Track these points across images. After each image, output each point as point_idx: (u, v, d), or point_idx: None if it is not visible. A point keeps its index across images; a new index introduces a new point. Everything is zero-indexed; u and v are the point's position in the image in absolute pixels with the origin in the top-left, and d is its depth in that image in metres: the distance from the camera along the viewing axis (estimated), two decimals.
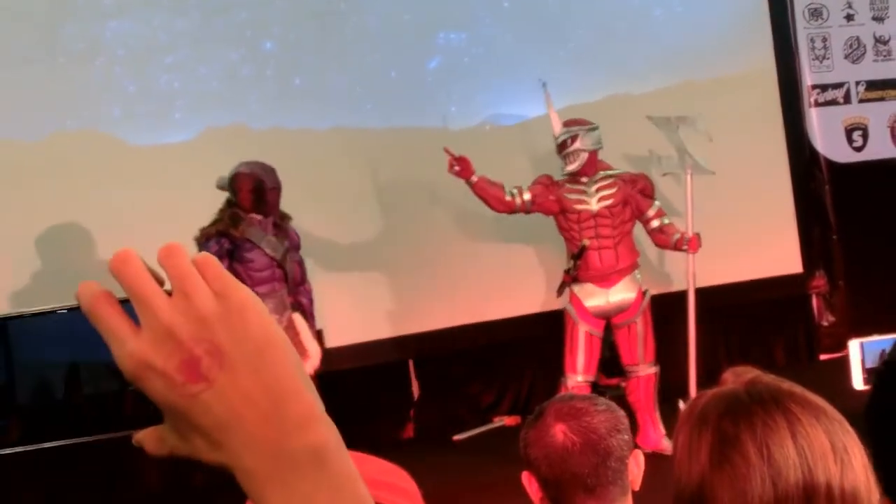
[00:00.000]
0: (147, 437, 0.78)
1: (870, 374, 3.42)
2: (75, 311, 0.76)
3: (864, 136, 8.83)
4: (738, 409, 1.51)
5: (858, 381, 3.47)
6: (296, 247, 6.51)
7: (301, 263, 6.55)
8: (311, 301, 6.57)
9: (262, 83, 7.51)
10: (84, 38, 7.12)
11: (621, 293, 6.70)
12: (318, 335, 6.61)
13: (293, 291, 6.46)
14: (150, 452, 0.78)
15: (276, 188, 6.37)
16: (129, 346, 0.74)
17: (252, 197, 6.26)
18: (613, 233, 6.66)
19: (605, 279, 6.68)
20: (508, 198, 6.73)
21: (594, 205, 6.67)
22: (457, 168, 6.65)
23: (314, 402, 0.77)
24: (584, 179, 6.70)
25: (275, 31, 7.60)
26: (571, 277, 6.68)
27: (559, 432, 2.35)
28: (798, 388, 1.57)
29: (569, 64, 8.04)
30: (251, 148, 7.13)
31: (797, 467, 1.44)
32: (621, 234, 6.70)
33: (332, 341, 7.22)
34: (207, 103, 7.32)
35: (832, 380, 3.68)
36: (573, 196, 6.70)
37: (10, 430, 0.81)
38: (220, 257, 6.15)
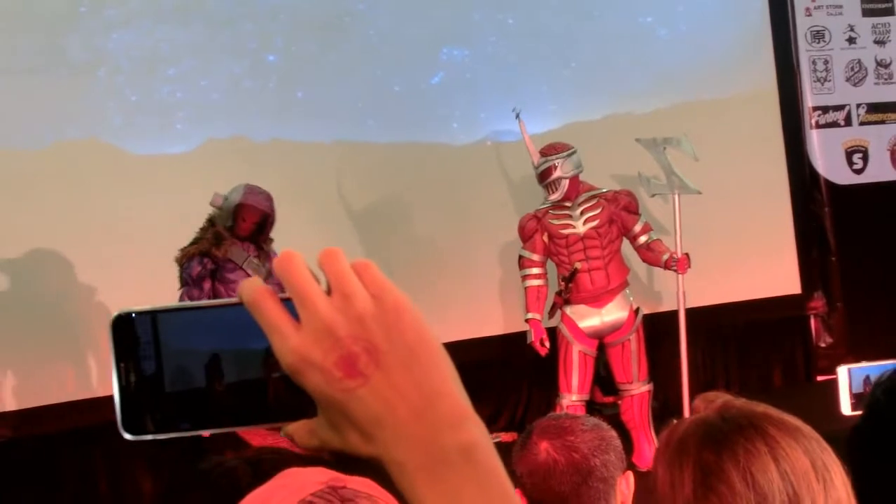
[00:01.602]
0: (298, 430, 0.82)
1: (857, 399, 3.44)
2: (233, 307, 0.81)
3: (865, 159, 8.84)
4: (717, 438, 1.50)
5: (847, 407, 3.49)
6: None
7: (280, 287, 6.51)
8: None
9: (264, 95, 7.52)
10: (87, 49, 7.13)
11: (614, 312, 6.69)
12: None
13: None
14: (301, 445, 0.82)
15: (274, 221, 6.39)
16: (292, 341, 0.78)
17: (253, 229, 6.27)
18: (603, 253, 6.65)
19: (598, 300, 6.67)
20: (538, 282, 6.78)
21: (581, 227, 6.66)
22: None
23: (465, 402, 0.80)
24: (567, 204, 6.69)
25: (278, 43, 7.62)
26: (563, 300, 6.69)
27: (542, 450, 2.34)
28: (772, 410, 1.56)
29: (571, 82, 8.06)
30: (252, 160, 7.16)
31: (782, 491, 1.43)
32: (610, 254, 6.69)
33: None
34: (209, 115, 7.33)
35: (826, 402, 3.68)
36: (559, 222, 6.70)
37: (162, 416, 0.85)
38: (203, 277, 6.15)
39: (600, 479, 2.31)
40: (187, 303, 0.71)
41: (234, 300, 0.81)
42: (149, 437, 0.83)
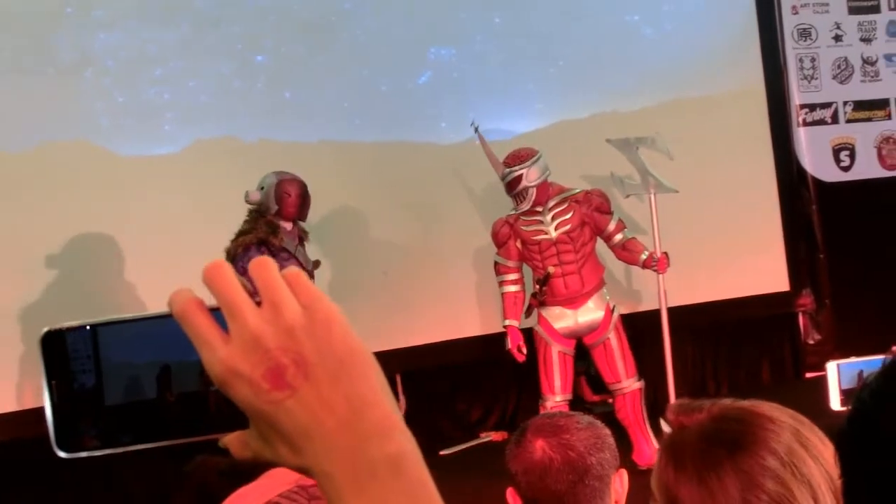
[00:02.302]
0: (232, 441, 0.82)
1: (846, 395, 3.45)
2: (164, 318, 0.80)
3: (852, 156, 8.87)
4: (737, 438, 1.48)
5: (836, 403, 3.50)
6: (315, 263, 6.56)
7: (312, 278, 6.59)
8: None
9: (252, 96, 7.51)
10: (74, 49, 7.11)
11: (589, 313, 6.67)
12: None
13: None
14: (236, 455, 0.82)
15: (310, 198, 6.51)
16: (220, 353, 0.78)
17: (299, 202, 6.32)
18: (576, 257, 6.62)
19: (573, 302, 6.66)
20: (514, 288, 6.79)
21: (553, 233, 6.62)
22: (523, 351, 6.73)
23: (393, 413, 0.80)
24: (538, 209, 6.65)
25: (266, 44, 7.61)
26: (539, 302, 6.68)
27: (538, 448, 2.34)
28: (749, 404, 1.55)
29: (558, 81, 8.07)
30: (240, 160, 7.15)
31: (825, 479, 1.42)
32: (584, 257, 6.65)
33: None
34: (197, 115, 7.32)
35: (815, 399, 3.69)
36: (531, 228, 6.67)
37: (97, 433, 0.85)
38: None
39: (596, 478, 2.31)
40: (122, 315, 0.71)
41: (167, 311, 0.80)
42: (84, 454, 0.83)
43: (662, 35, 8.38)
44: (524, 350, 6.68)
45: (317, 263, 6.49)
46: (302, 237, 6.51)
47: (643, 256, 6.67)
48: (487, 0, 8.05)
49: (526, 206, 6.62)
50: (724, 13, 8.57)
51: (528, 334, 6.79)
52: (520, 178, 6.61)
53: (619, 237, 6.72)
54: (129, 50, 7.22)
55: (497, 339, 7.43)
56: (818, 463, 1.43)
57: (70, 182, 6.93)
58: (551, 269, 6.55)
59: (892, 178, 8.86)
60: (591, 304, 6.67)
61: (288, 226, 6.37)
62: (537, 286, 6.64)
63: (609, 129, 7.74)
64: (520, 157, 6.67)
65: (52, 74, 7.03)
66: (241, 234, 6.29)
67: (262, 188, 6.36)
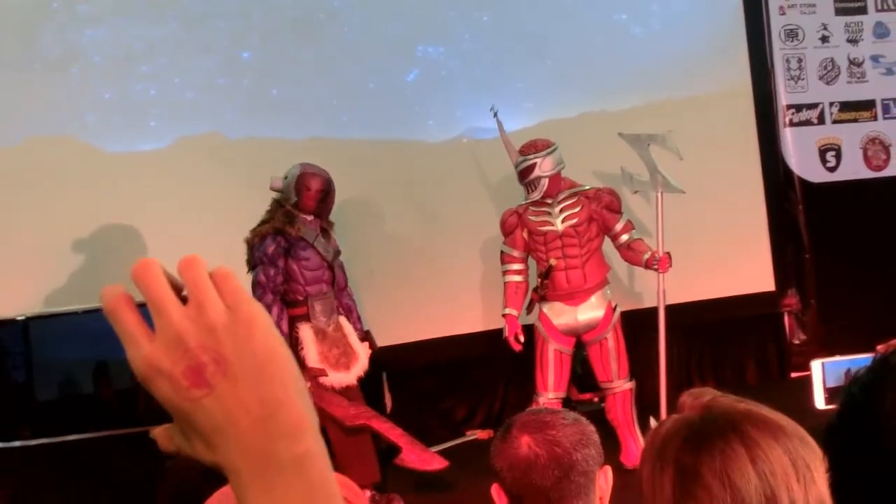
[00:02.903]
0: (159, 434, 0.84)
1: (831, 393, 3.46)
2: (97, 312, 0.82)
3: (838, 157, 8.89)
4: (696, 440, 1.51)
5: (820, 401, 3.51)
6: (338, 252, 6.54)
7: (342, 268, 6.59)
8: (354, 303, 6.66)
9: (238, 93, 7.50)
10: (61, 45, 7.09)
11: (590, 311, 6.69)
12: (367, 335, 6.62)
13: (339, 295, 6.52)
14: (162, 448, 0.85)
15: (334, 193, 6.45)
16: (143, 350, 0.80)
17: (318, 197, 6.30)
18: (581, 252, 6.65)
19: (574, 297, 6.68)
20: (518, 278, 6.80)
21: (559, 225, 6.66)
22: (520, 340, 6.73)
23: (305, 415, 0.82)
24: (548, 200, 6.69)
25: (252, 41, 7.59)
26: (540, 296, 6.70)
27: (524, 444, 2.34)
28: (755, 408, 1.56)
29: (547, 80, 8.07)
30: (226, 157, 7.15)
31: (759, 491, 1.43)
32: (589, 252, 6.68)
33: None
34: (183, 112, 7.30)
35: (800, 398, 3.71)
36: (538, 218, 6.69)
37: (28, 424, 0.87)
38: (277, 256, 6.19)
39: (581, 473, 2.31)
40: (58, 309, 0.75)
41: (99, 306, 0.82)
42: (18, 443, 0.84)
43: (651, 34, 8.39)
44: (521, 339, 6.68)
45: (336, 254, 6.48)
46: (325, 227, 6.49)
47: (646, 256, 6.69)
48: None
49: (537, 196, 6.65)
50: (712, 13, 8.59)
51: (528, 330, 6.79)
52: (533, 166, 6.64)
53: (625, 237, 6.74)
54: (116, 46, 7.20)
55: (485, 338, 7.45)
56: (763, 479, 1.44)
57: (55, 177, 6.91)
58: (553, 261, 6.57)
59: (878, 179, 8.88)
60: (592, 301, 6.69)
61: (308, 217, 6.36)
62: (539, 279, 6.65)
63: (597, 127, 7.76)
64: (535, 146, 6.72)
65: (39, 70, 7.01)
66: (261, 223, 6.30)
67: (286, 177, 6.34)
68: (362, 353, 6.41)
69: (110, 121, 7.13)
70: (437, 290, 7.76)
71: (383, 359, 7.64)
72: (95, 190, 6.95)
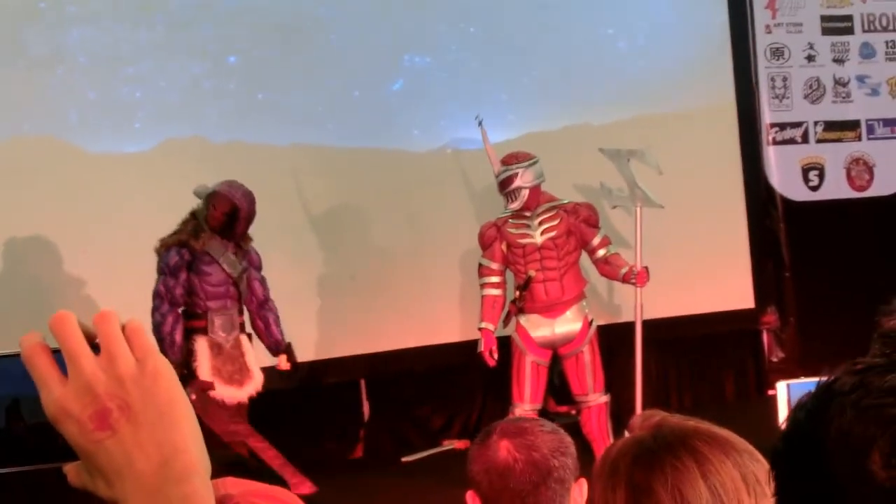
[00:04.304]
0: (70, 470, 0.92)
1: None
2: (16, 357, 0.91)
3: (821, 176, 8.93)
4: (647, 457, 1.52)
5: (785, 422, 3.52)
6: (257, 266, 6.53)
7: (263, 282, 6.56)
8: (277, 317, 6.61)
9: (223, 97, 7.49)
10: (46, 44, 7.07)
11: (567, 324, 6.71)
12: (289, 348, 6.60)
13: (257, 309, 6.49)
14: (72, 483, 0.92)
15: (249, 219, 6.39)
16: (55, 394, 0.88)
17: (222, 220, 6.26)
18: (559, 264, 6.67)
19: (551, 310, 6.69)
20: (495, 292, 6.78)
21: (538, 237, 6.68)
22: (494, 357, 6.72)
23: (197, 460, 0.90)
24: (527, 213, 6.71)
25: (239, 46, 7.59)
26: (518, 308, 6.70)
27: (503, 448, 2.35)
28: (704, 425, 1.57)
29: (531, 92, 8.09)
30: (210, 161, 7.13)
31: None
32: (567, 265, 6.70)
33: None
34: (168, 115, 7.28)
35: (776, 416, 3.72)
36: (517, 231, 6.72)
37: None
38: (179, 268, 6.19)
39: (558, 481, 2.32)
40: None
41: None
42: None
43: (636, 49, 8.42)
44: (496, 355, 6.69)
45: (244, 270, 6.44)
46: (240, 244, 6.43)
47: (623, 270, 6.73)
48: (463, 10, 8.06)
49: (517, 206, 6.67)
50: (698, 30, 8.61)
51: (505, 342, 6.79)
52: (514, 177, 6.67)
53: (602, 252, 6.78)
54: (102, 47, 7.19)
55: (463, 348, 7.44)
56: (714, 494, 1.45)
57: (38, 177, 6.89)
58: (532, 273, 6.59)
59: (860, 199, 8.92)
60: (569, 314, 6.70)
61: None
62: (517, 292, 6.66)
63: (581, 141, 7.78)
64: (517, 157, 6.76)
65: (23, 68, 6.99)
66: (172, 233, 6.32)
67: (207, 189, 6.32)
68: (258, 373, 6.39)
69: (94, 122, 7.11)
70: (418, 298, 7.75)
71: (362, 366, 7.64)
72: (78, 190, 6.93)
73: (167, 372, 0.91)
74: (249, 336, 6.50)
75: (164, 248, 6.27)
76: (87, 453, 0.88)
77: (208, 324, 6.28)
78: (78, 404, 0.88)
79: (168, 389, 0.90)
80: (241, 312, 6.45)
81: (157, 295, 6.17)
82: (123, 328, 0.91)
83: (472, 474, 2.40)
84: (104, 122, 7.13)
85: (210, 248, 6.27)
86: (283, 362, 6.57)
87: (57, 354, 0.89)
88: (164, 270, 6.22)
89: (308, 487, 6.27)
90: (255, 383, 6.35)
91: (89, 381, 0.88)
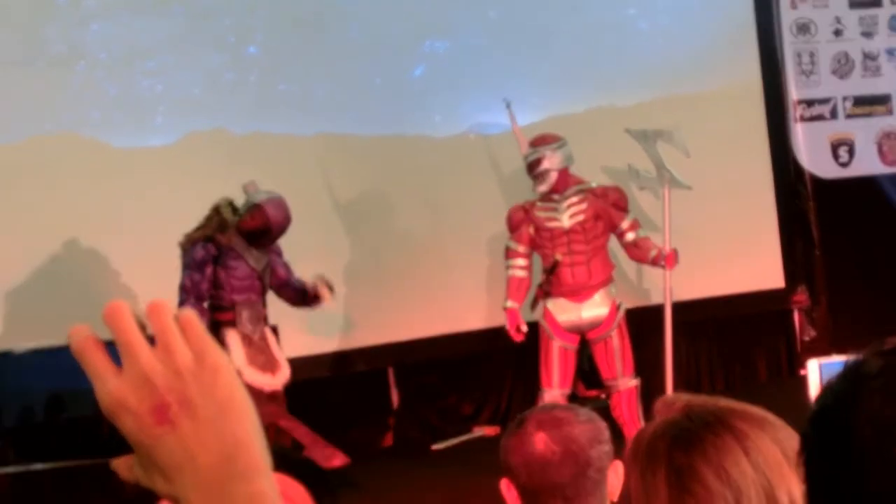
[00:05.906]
0: (121, 464, 0.89)
1: None
2: (63, 349, 0.86)
3: (850, 152, 8.83)
4: (687, 438, 1.50)
5: None
6: (278, 253, 6.52)
7: (287, 266, 6.57)
8: (303, 282, 6.59)
9: (244, 88, 7.49)
10: (66, 41, 7.08)
11: (594, 308, 6.66)
12: (322, 278, 6.56)
13: (282, 288, 6.52)
14: (123, 478, 0.90)
15: (277, 238, 6.39)
16: (110, 385, 0.85)
17: (253, 230, 6.23)
18: (586, 248, 6.63)
19: (578, 294, 6.65)
20: (521, 273, 6.75)
21: (566, 221, 6.64)
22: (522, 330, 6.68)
23: (260, 457, 0.88)
24: (555, 196, 6.67)
25: (259, 37, 7.58)
26: (544, 292, 6.66)
27: (540, 441, 2.34)
28: (735, 403, 1.56)
29: (554, 75, 8.03)
30: (232, 153, 7.14)
31: (756, 482, 1.43)
32: (595, 249, 6.66)
33: (312, 349, 7.20)
34: (189, 108, 7.30)
35: (809, 396, 3.68)
36: (545, 214, 6.69)
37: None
38: (205, 262, 6.20)
39: (597, 470, 2.34)
40: (26, 346, 0.84)
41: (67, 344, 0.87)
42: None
43: (659, 29, 8.35)
44: (523, 329, 6.64)
45: (268, 264, 6.43)
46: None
47: (652, 253, 6.68)
48: None
49: (544, 189, 6.64)
50: (721, 7, 8.54)
51: (533, 328, 6.76)
52: (542, 159, 6.64)
53: (631, 235, 6.73)
54: (122, 42, 7.20)
55: (490, 334, 7.42)
56: (758, 470, 1.44)
57: (61, 174, 6.92)
58: (559, 257, 6.56)
59: (891, 175, 8.82)
60: (596, 298, 6.66)
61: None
62: (544, 275, 6.63)
63: (604, 123, 7.73)
64: (545, 139, 6.73)
65: (44, 66, 7.01)
66: (197, 228, 6.32)
67: (257, 192, 6.27)
68: (285, 364, 6.42)
69: (116, 117, 7.13)
70: (443, 285, 7.74)
71: (390, 354, 7.63)
72: (102, 186, 6.95)
73: (226, 366, 0.89)
74: (273, 329, 6.50)
75: (189, 242, 6.27)
76: (144, 448, 0.86)
77: (236, 316, 6.29)
78: (135, 397, 0.85)
79: (228, 384, 0.88)
80: (265, 305, 6.45)
81: (182, 289, 6.18)
82: (176, 319, 0.89)
83: (509, 465, 2.39)
84: (126, 118, 7.15)
85: (236, 244, 6.29)
86: (326, 294, 6.54)
87: (108, 346, 0.86)
88: (190, 265, 6.23)
89: (340, 459, 6.31)
90: (284, 374, 6.37)
91: (146, 373, 0.85)
